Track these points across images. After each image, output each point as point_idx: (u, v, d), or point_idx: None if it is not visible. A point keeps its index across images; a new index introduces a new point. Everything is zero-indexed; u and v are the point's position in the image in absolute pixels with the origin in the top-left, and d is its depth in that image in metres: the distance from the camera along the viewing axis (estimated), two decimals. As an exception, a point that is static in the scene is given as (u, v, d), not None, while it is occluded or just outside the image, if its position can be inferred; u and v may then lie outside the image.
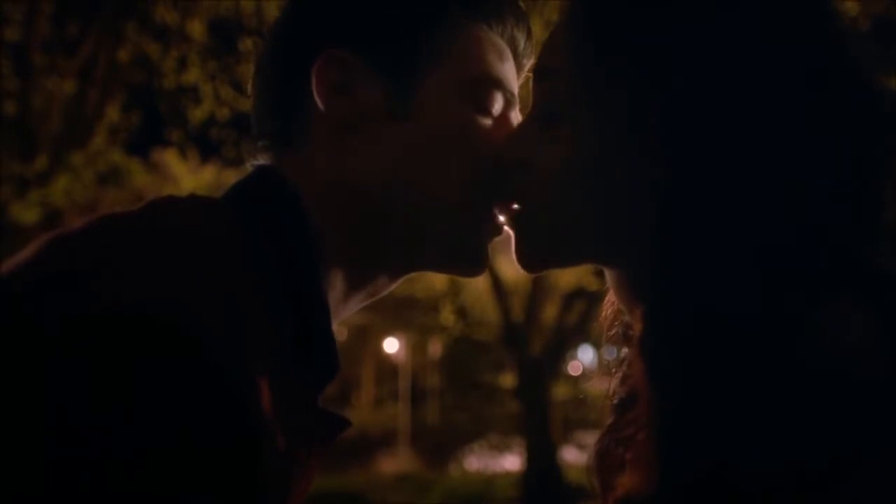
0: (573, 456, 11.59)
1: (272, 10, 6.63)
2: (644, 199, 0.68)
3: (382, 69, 0.81)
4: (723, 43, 0.68)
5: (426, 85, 0.81)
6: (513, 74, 0.87)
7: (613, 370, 0.89)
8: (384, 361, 26.15)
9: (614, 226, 0.75)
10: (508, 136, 0.83)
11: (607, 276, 0.82)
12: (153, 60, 8.00)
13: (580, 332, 10.28)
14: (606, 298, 0.91)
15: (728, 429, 0.60)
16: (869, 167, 0.68)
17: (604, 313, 0.91)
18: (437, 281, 10.87)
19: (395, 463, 15.28)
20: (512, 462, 13.50)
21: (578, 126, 0.75)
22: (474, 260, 0.85)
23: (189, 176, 12.82)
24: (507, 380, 20.05)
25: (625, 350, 0.89)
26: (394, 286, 0.87)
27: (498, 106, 0.84)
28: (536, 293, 10.55)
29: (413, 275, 0.88)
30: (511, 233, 0.83)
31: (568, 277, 9.88)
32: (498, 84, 0.84)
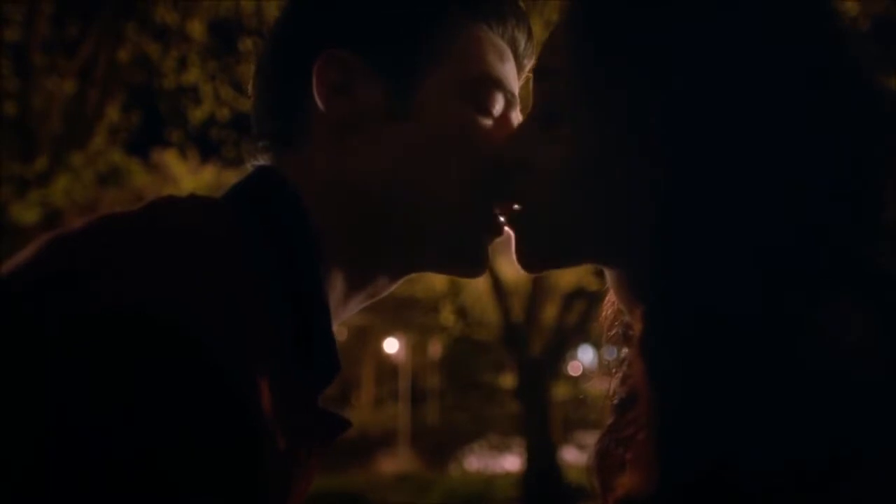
0: (573, 456, 11.59)
1: (272, 10, 6.63)
2: (644, 199, 0.68)
3: (382, 69, 0.81)
4: (723, 43, 0.68)
5: (426, 85, 0.81)
6: (513, 75, 0.87)
7: (613, 370, 0.89)
8: (384, 362, 26.16)
9: (614, 226, 0.75)
10: (508, 137, 0.83)
11: (607, 276, 0.82)
12: (153, 60, 8.00)
13: (580, 332, 10.28)
14: (606, 298, 0.91)
15: (728, 429, 0.59)
16: (869, 167, 0.68)
17: (604, 313, 0.91)
18: (437, 281, 10.87)
19: (395, 463, 15.28)
20: (512, 462, 13.50)
21: (578, 126, 0.75)
22: (474, 260, 0.85)
23: (189, 176, 12.82)
24: (507, 380, 20.05)
25: (625, 350, 0.89)
26: (394, 287, 0.87)
27: (498, 106, 0.84)
28: (536, 293, 10.55)
29: (413, 275, 0.88)
30: (511, 233, 0.83)
31: (568, 277, 9.88)
32: (498, 84, 0.84)
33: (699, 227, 0.65)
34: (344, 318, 0.84)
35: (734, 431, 0.59)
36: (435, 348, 23.69)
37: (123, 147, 8.63)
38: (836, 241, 0.65)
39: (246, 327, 0.65)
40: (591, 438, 0.89)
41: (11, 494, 0.54)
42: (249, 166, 0.85)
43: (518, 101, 0.87)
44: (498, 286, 10.00)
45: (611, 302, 0.90)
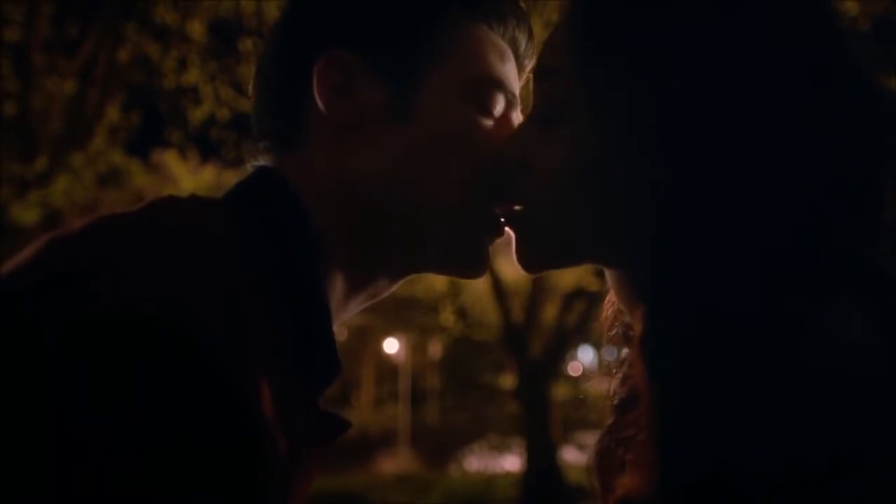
0: (573, 456, 11.59)
1: (272, 11, 6.63)
2: (644, 199, 0.68)
3: (383, 69, 0.81)
4: (723, 43, 0.68)
5: (427, 85, 0.81)
6: (514, 75, 0.87)
7: (614, 371, 0.89)
8: (384, 362, 26.15)
9: (614, 226, 0.75)
10: (508, 137, 0.83)
11: (608, 276, 0.82)
12: (153, 61, 8.00)
13: (580, 332, 10.27)
14: (607, 299, 0.91)
15: (728, 429, 0.59)
16: (869, 167, 0.68)
17: (604, 314, 0.91)
18: (437, 281, 10.86)
19: (395, 463, 15.27)
20: (512, 462, 13.50)
21: (578, 126, 0.75)
22: (475, 261, 0.85)
23: (189, 177, 12.81)
24: (507, 380, 20.04)
25: (625, 350, 0.89)
26: (395, 288, 0.87)
27: (499, 106, 0.84)
28: (536, 294, 10.55)
29: (413, 275, 0.88)
30: (511, 233, 0.83)
31: (568, 278, 9.87)
32: (499, 84, 0.84)
33: (699, 227, 0.65)
34: (344, 318, 0.84)
35: (734, 432, 0.59)
36: (435, 348, 23.69)
37: (123, 147, 8.64)
38: (836, 241, 0.65)
39: (246, 328, 0.65)
40: (591, 439, 0.89)
41: (12, 495, 0.54)
42: (250, 167, 0.85)
43: (519, 101, 0.87)
44: (498, 286, 10.00)
45: (611, 302, 0.90)
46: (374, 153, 0.80)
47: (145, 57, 8.04)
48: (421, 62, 0.81)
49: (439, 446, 16.98)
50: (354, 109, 0.80)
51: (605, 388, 0.90)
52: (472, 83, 0.82)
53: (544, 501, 9.71)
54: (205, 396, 0.59)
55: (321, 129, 0.81)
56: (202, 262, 0.66)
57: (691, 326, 0.63)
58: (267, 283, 0.71)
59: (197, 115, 8.08)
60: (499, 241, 0.86)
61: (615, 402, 0.87)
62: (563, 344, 10.65)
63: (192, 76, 7.97)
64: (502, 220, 0.83)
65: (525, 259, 0.82)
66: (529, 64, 0.89)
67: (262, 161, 0.84)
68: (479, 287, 11.10)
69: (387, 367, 26.15)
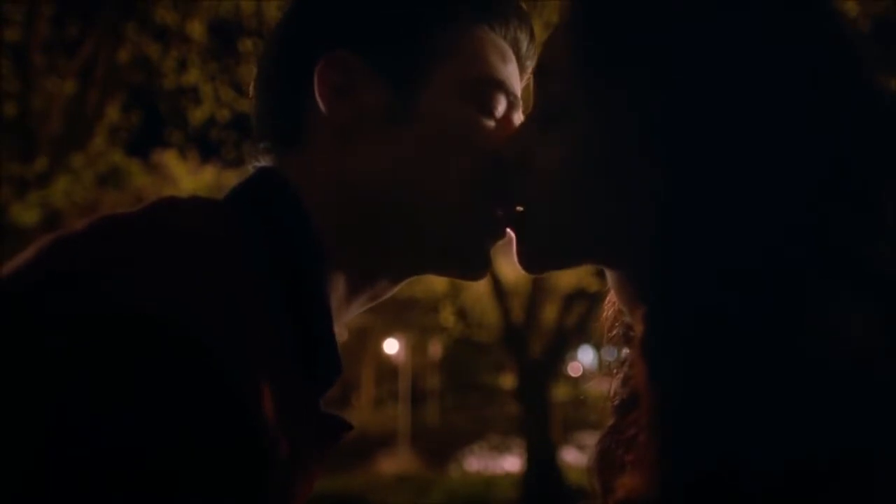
0: (573, 457, 11.60)
1: (272, 11, 6.64)
2: (644, 199, 0.68)
3: (384, 70, 0.81)
4: (723, 43, 0.68)
5: (428, 86, 0.81)
6: (515, 76, 0.86)
7: (614, 371, 0.89)
8: (384, 362, 26.16)
9: (615, 226, 0.75)
10: (509, 137, 0.83)
11: (608, 276, 0.82)
12: (153, 61, 8.01)
13: (580, 333, 10.27)
14: (607, 299, 0.90)
15: (729, 430, 0.59)
16: (869, 167, 0.68)
17: (605, 314, 0.91)
18: (437, 282, 10.85)
19: (395, 463, 15.28)
20: (512, 463, 13.50)
21: (578, 126, 0.75)
22: (476, 262, 0.85)
23: (189, 177, 12.79)
24: (507, 381, 20.03)
25: (626, 351, 0.89)
26: (396, 289, 0.87)
27: (500, 107, 0.84)
28: (536, 294, 10.55)
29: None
30: (512, 234, 0.83)
31: (568, 278, 9.87)
32: (500, 85, 0.83)
33: (699, 227, 0.65)
34: (346, 320, 0.84)
35: (735, 432, 0.59)
36: (435, 349, 23.70)
37: (123, 148, 8.64)
38: (836, 241, 0.65)
39: (246, 328, 0.65)
40: (591, 439, 0.89)
41: (12, 495, 0.54)
42: (250, 167, 0.85)
43: (520, 102, 0.87)
44: (498, 287, 10.00)
45: (611, 302, 0.90)
46: (374, 154, 0.80)
47: (145, 57, 8.04)
48: (422, 63, 0.81)
49: (439, 446, 16.98)
50: (355, 110, 0.80)
51: (605, 388, 0.90)
52: (473, 84, 0.82)
53: (544, 502, 9.71)
54: (205, 397, 0.59)
55: (322, 129, 0.81)
56: (203, 263, 0.66)
57: (692, 327, 0.63)
58: (267, 284, 0.71)
59: (197, 115, 8.08)
60: (499, 242, 0.86)
61: (616, 402, 0.87)
62: (564, 344, 10.65)
63: (192, 76, 7.97)
64: (503, 221, 0.83)
65: (525, 259, 0.82)
66: (531, 64, 0.89)
67: (263, 162, 0.84)
68: (479, 287, 11.10)
69: (387, 368, 26.16)
